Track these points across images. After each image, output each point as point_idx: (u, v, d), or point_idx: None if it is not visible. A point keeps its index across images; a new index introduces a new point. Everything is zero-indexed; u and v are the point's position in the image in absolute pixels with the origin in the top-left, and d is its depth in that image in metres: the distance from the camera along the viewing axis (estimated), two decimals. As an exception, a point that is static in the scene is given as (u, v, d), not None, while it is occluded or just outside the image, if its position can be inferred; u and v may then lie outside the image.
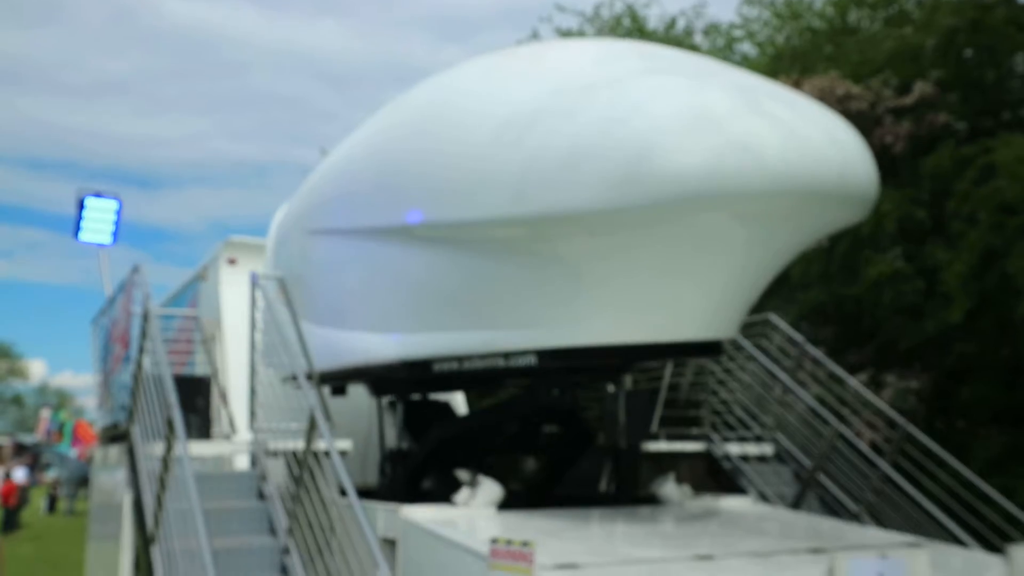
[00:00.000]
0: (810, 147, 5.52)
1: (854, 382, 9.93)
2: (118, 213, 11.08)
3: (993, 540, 7.44)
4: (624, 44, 7.30)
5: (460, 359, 6.71)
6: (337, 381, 7.77)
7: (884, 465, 8.56)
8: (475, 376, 7.17)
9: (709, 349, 6.99)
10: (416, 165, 6.62)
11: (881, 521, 8.26)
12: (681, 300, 6.25)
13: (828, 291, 11.94)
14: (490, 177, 5.98)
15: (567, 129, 5.67)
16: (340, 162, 7.83)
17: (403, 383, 7.50)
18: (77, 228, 11.03)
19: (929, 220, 11.81)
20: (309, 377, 7.00)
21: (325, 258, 7.73)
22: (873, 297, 11.50)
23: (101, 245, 11.21)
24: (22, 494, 28.38)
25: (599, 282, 6.02)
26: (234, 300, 9.55)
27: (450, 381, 8.11)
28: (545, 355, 6.35)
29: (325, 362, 7.52)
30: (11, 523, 26.34)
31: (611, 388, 9.44)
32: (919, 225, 11.79)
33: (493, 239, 6.17)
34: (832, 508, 8.73)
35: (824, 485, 8.87)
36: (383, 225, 6.85)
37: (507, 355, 6.50)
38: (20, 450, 42.83)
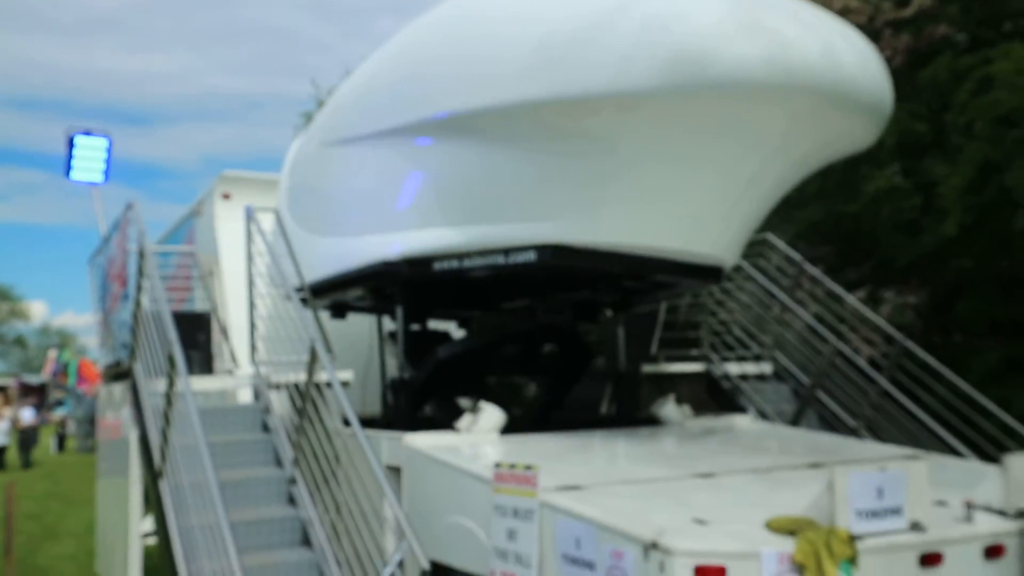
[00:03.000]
0: (841, 54, 5.63)
1: (852, 299, 9.95)
2: (108, 151, 10.99)
3: (990, 451, 7.53)
4: None
5: (460, 256, 6.70)
6: (342, 289, 7.78)
7: (882, 380, 8.63)
8: (476, 283, 7.17)
9: (711, 273, 7.00)
10: (428, 58, 6.56)
11: (879, 435, 8.35)
12: (688, 212, 6.23)
13: (826, 208, 11.90)
14: (499, 60, 5.92)
15: (580, 5, 5.63)
16: (356, 76, 7.82)
17: (405, 288, 7.46)
18: (68, 167, 10.96)
19: (928, 134, 11.71)
20: (304, 301, 7.03)
21: (336, 167, 7.74)
22: (871, 213, 11.46)
23: (93, 184, 11.16)
24: (31, 434, 28.72)
25: (605, 179, 5.98)
26: (230, 235, 9.53)
27: (451, 293, 8.09)
28: (545, 251, 6.30)
29: (333, 268, 7.57)
30: None
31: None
32: (918, 139, 11.70)
33: (498, 128, 6.08)
34: (831, 424, 8.83)
35: (823, 402, 8.96)
36: (390, 126, 6.82)
37: (507, 251, 6.48)
38: (26, 391, 43.16)
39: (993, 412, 7.95)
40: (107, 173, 11.04)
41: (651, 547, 4.09)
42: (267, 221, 7.94)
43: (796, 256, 10.35)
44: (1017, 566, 4.69)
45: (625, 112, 5.58)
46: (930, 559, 4.42)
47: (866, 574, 4.15)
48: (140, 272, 7.04)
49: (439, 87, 6.38)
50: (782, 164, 6.24)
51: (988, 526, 4.67)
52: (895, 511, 4.42)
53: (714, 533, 4.28)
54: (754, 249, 10.43)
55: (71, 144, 10.84)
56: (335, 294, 8.07)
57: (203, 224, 10.52)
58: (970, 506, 4.78)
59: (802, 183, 11.77)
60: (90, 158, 10.92)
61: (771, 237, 10.48)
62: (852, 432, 8.48)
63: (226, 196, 10.08)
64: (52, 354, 40.98)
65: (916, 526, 4.44)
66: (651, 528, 4.21)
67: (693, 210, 6.26)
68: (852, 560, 4.09)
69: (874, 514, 4.36)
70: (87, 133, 10.96)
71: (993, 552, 4.62)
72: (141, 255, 7.02)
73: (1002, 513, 4.80)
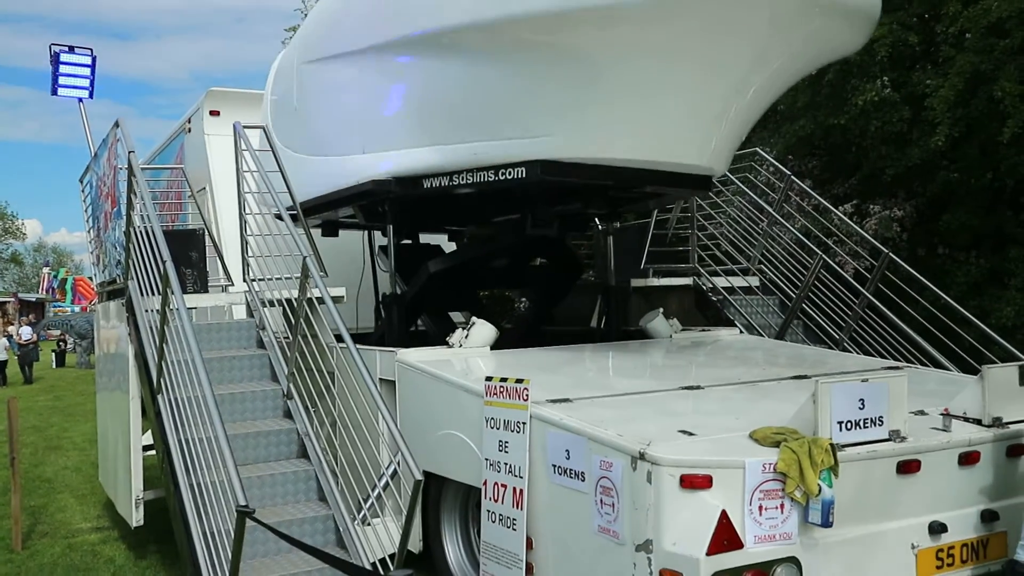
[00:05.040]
0: None
1: (839, 213, 10.03)
2: (92, 67, 10.86)
3: (969, 361, 7.70)
4: None
5: (450, 174, 6.71)
6: (332, 208, 7.80)
7: (867, 293, 8.75)
8: (466, 198, 7.20)
9: (701, 182, 7.02)
10: None
11: (863, 347, 8.51)
12: (677, 121, 6.22)
13: (815, 121, 11.88)
14: None
15: None
16: None
17: (394, 205, 7.48)
18: (54, 84, 10.85)
19: (919, 45, 11.64)
20: (296, 218, 7.08)
21: (319, 85, 7.70)
22: (860, 126, 11.46)
23: (80, 100, 11.06)
24: (32, 350, 28.96)
25: (591, 93, 5.94)
26: (220, 151, 9.49)
27: (440, 209, 8.12)
28: (534, 167, 6.28)
29: (322, 187, 7.59)
30: None
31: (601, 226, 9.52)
32: (909, 50, 11.64)
33: (481, 44, 6.01)
34: (816, 336, 8.98)
35: (808, 314, 9.10)
36: (372, 43, 6.75)
37: (497, 168, 6.47)
38: (25, 308, 43.34)
39: (973, 323, 8.10)
40: (93, 89, 10.94)
41: (639, 458, 4.23)
42: (256, 137, 7.92)
43: (785, 170, 10.38)
44: (990, 471, 4.86)
45: (608, 24, 5.51)
46: (907, 467, 4.58)
47: (846, 482, 4.30)
48: (130, 190, 7.04)
49: (420, 2, 6.31)
50: (768, 71, 6.18)
51: (964, 434, 4.82)
52: (876, 421, 4.55)
53: (700, 444, 4.42)
54: (743, 163, 10.46)
55: (56, 61, 10.71)
56: (325, 213, 8.09)
57: (192, 141, 10.46)
58: (948, 415, 4.93)
59: (792, 96, 11.81)
60: (75, 74, 10.81)
61: (760, 151, 10.50)
62: (836, 344, 8.63)
63: (214, 113, 10.01)
64: (45, 271, 41.12)
65: (895, 435, 4.59)
66: (639, 439, 4.34)
67: (680, 121, 6.23)
68: (833, 469, 4.23)
69: (855, 424, 4.50)
70: (71, 50, 10.83)
71: (968, 459, 4.79)
72: (131, 173, 7.01)
73: (978, 422, 4.96)
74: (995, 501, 4.87)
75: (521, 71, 6.00)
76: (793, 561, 4.19)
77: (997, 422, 4.95)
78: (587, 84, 5.91)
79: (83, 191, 9.81)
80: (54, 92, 10.87)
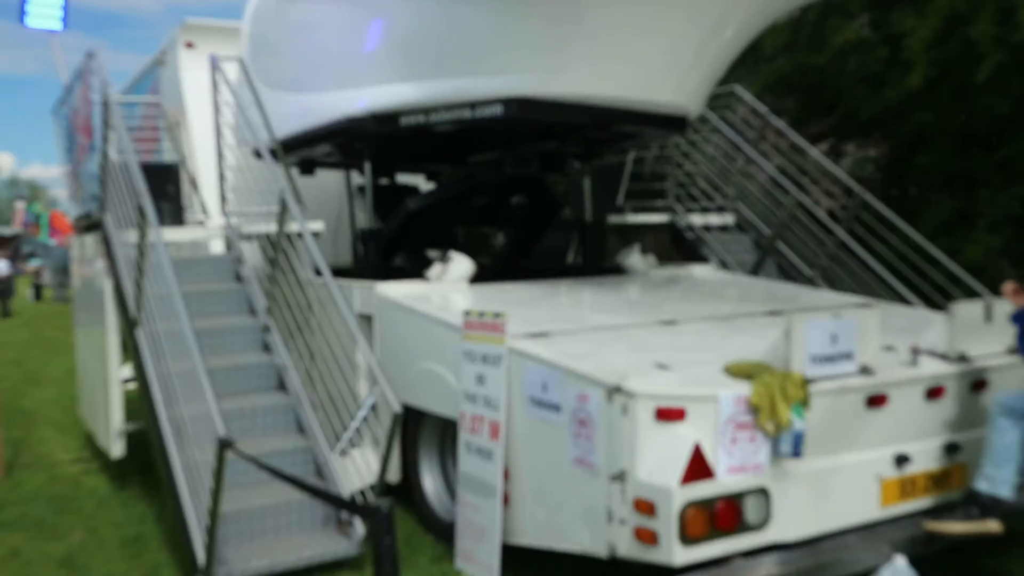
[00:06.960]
0: None
1: (814, 152, 10.08)
2: (64, -6, 10.66)
3: (938, 299, 7.83)
4: None
5: (426, 110, 6.70)
6: (308, 145, 7.76)
7: (840, 232, 8.86)
8: (443, 137, 7.17)
9: (676, 123, 7.03)
10: None
11: (835, 285, 8.64)
12: (653, 59, 6.23)
13: (793, 61, 11.87)
14: None
15: None
16: None
17: (371, 143, 7.45)
18: (23, 13, 10.64)
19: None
20: (275, 154, 7.04)
21: (298, 21, 7.64)
22: (838, 66, 11.47)
23: (51, 31, 10.85)
24: (7, 284, 28.70)
25: (569, 27, 5.93)
26: (196, 85, 9.37)
27: (418, 148, 8.09)
28: (511, 104, 6.28)
29: (299, 125, 7.56)
30: None
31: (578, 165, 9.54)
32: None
33: None
34: (789, 274, 9.09)
35: (782, 252, 9.20)
36: None
37: (473, 105, 6.46)
38: (1, 242, 42.81)
39: (942, 262, 8.23)
40: (65, 19, 10.73)
41: (614, 391, 4.32)
42: (232, 70, 7.83)
43: (762, 108, 10.40)
44: (954, 405, 5.01)
45: None
46: (876, 400, 4.70)
47: (816, 415, 4.42)
48: (105, 123, 6.97)
49: None
50: (745, 8, 6.20)
51: (931, 369, 4.95)
52: (846, 356, 4.66)
53: (675, 377, 4.51)
54: (720, 101, 10.46)
55: (24, -12, 10.50)
56: (302, 151, 8.04)
57: (168, 74, 10.32)
58: (915, 351, 5.05)
59: (773, 35, 11.76)
60: (46, 3, 10.58)
61: (738, 89, 10.50)
62: (809, 281, 8.75)
63: (190, 45, 9.87)
64: (20, 206, 40.55)
65: (865, 370, 4.71)
66: (614, 373, 4.42)
67: (657, 57, 6.25)
68: (804, 402, 4.34)
69: (827, 359, 4.60)
70: (39, -23, 10.61)
71: (934, 393, 4.92)
72: (105, 106, 6.93)
73: (944, 357, 5.09)
74: (958, 433, 5.02)
75: (500, 5, 5.96)
76: (763, 491, 4.32)
77: (963, 357, 5.08)
78: (564, 18, 5.88)
79: (57, 124, 9.68)
80: (23, 21, 10.66)
